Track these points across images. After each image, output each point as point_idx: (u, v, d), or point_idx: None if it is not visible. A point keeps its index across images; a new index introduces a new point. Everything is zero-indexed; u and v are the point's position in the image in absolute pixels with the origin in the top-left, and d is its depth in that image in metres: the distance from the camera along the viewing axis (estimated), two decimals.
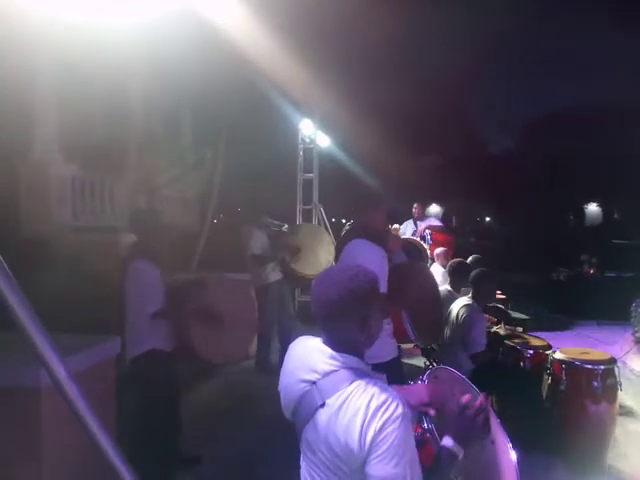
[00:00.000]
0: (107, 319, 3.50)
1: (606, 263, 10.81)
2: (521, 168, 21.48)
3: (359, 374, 1.44)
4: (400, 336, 3.17)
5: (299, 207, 8.36)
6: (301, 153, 8.34)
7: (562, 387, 3.85)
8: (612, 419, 3.86)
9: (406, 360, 4.85)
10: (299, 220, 8.38)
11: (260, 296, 5.69)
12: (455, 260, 5.08)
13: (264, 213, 5.83)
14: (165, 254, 3.48)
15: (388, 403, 1.35)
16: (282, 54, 6.57)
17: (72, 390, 0.99)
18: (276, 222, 6.14)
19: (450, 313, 4.12)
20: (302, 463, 1.55)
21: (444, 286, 4.89)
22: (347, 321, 1.48)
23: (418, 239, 6.76)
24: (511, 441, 1.92)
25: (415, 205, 7.07)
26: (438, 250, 5.97)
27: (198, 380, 5.34)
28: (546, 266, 11.20)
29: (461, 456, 1.52)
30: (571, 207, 25.47)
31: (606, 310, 8.30)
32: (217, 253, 6.95)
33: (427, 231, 7.21)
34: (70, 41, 4.89)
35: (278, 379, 1.67)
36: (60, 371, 0.99)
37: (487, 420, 1.61)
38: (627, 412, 4.93)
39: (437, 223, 7.06)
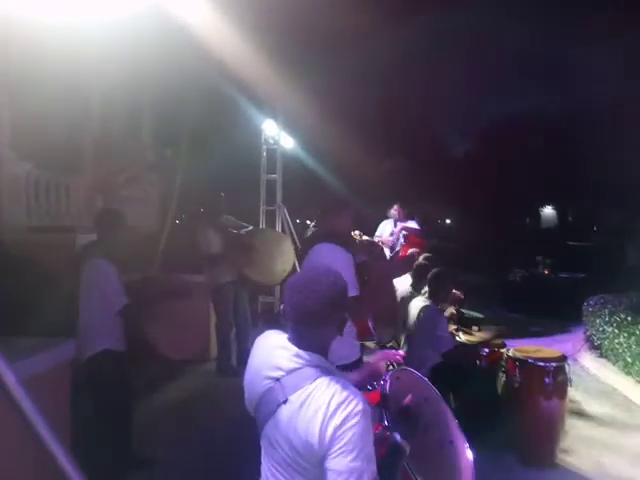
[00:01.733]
0: (61, 321, 3.41)
1: (560, 264, 11.20)
2: (481, 172, 22.01)
3: (323, 372, 1.48)
4: (363, 335, 3.23)
5: (262, 208, 8.31)
6: (264, 154, 8.29)
7: (516, 384, 3.98)
8: (562, 414, 4.02)
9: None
10: (262, 221, 8.33)
11: (214, 297, 5.67)
12: (416, 262, 5.18)
13: (222, 213, 5.80)
14: (125, 255, 3.44)
15: (349, 400, 1.39)
16: (246, 54, 6.53)
17: (20, 395, 0.97)
18: (241, 223, 6.11)
19: (409, 312, 4.21)
20: (262, 459, 1.57)
21: (407, 286, 4.99)
22: (328, 327, 1.54)
23: (393, 239, 6.84)
24: (468, 440, 1.98)
25: (395, 206, 7.12)
26: (411, 251, 6.07)
27: (159, 383, 5.27)
28: (503, 267, 11.51)
29: (407, 449, 1.58)
30: (528, 210, 26.24)
31: (560, 309, 8.61)
32: (178, 254, 6.86)
33: (403, 232, 7.31)
34: (25, 38, 4.75)
35: (239, 381, 1.68)
36: (9, 377, 0.97)
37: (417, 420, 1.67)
38: (577, 407, 5.14)
39: (416, 226, 7.15)
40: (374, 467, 1.39)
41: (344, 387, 1.43)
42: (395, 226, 7.05)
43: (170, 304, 3.44)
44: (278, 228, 8.15)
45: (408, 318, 4.23)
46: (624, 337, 5.98)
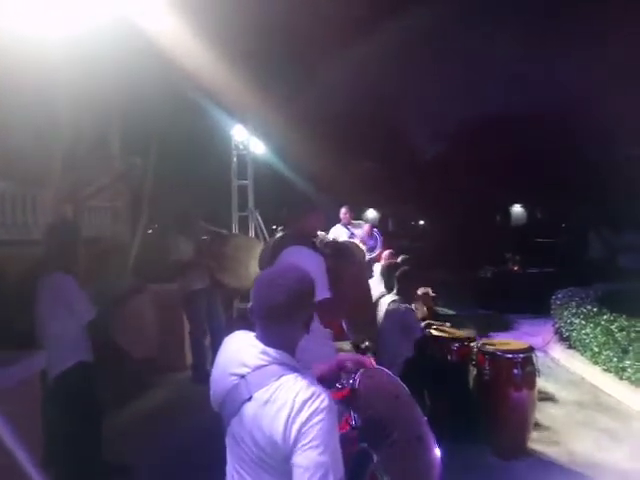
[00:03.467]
0: (30, 334, 3.37)
1: (529, 260, 11.45)
2: (451, 173, 22.34)
3: (289, 369, 1.49)
4: (337, 336, 3.27)
5: (234, 213, 8.30)
6: (235, 159, 8.29)
7: (486, 377, 4.08)
8: (532, 404, 4.13)
9: None
10: (235, 227, 8.32)
11: (187, 304, 5.66)
12: (385, 262, 5.27)
13: (193, 220, 5.79)
14: (82, 266, 3.42)
15: (315, 396, 1.40)
16: (213, 61, 6.54)
17: None
18: (213, 229, 6.11)
19: (380, 311, 4.28)
20: (228, 457, 1.57)
21: (381, 286, 5.06)
22: (294, 323, 1.55)
23: (365, 238, 6.84)
24: (438, 435, 2.02)
25: (343, 210, 7.15)
26: (385, 252, 6.15)
27: (133, 391, 5.22)
28: (474, 265, 11.72)
29: (375, 459, 1.60)
30: (498, 209, 26.72)
31: (529, 304, 8.81)
32: (151, 263, 6.80)
33: (375, 229, 7.34)
34: None
35: None
36: None
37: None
38: (549, 397, 5.28)
39: (368, 229, 7.21)
40: (341, 466, 1.40)
41: (310, 384, 1.44)
42: (348, 229, 7.05)
43: (135, 308, 3.43)
44: (251, 234, 8.16)
45: (379, 317, 4.30)
46: (590, 328, 6.17)
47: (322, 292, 2.66)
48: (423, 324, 4.73)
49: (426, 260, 8.66)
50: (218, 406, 1.59)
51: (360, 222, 7.32)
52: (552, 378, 5.85)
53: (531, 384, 4.03)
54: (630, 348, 5.27)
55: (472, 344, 4.42)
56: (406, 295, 4.31)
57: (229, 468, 1.57)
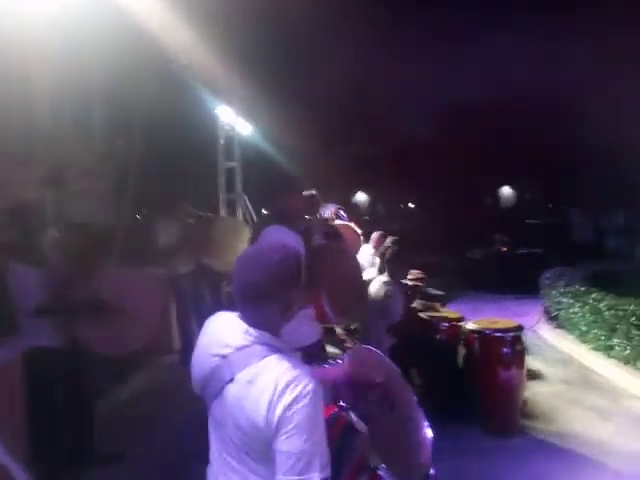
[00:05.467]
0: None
1: (518, 241, 11.51)
2: (441, 155, 22.34)
3: (272, 350, 1.42)
4: (320, 318, 3.20)
5: (222, 196, 8.16)
6: (222, 141, 8.13)
7: (476, 356, 4.07)
8: (522, 382, 4.14)
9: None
10: (223, 210, 8.20)
11: (174, 288, 5.58)
12: (383, 247, 5.19)
13: (179, 203, 5.69)
14: (43, 251, 3.31)
15: (299, 379, 1.34)
16: (199, 40, 6.37)
17: None
18: (199, 212, 6.00)
19: (370, 291, 4.23)
20: (211, 440, 1.52)
21: (373, 268, 5.00)
22: (272, 306, 1.46)
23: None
24: (430, 415, 1.98)
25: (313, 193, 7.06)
26: (375, 234, 6.07)
27: (122, 377, 5.17)
28: (464, 246, 11.74)
29: (363, 429, 1.55)
30: (487, 191, 26.79)
31: (518, 284, 8.85)
32: (137, 248, 6.69)
33: (341, 212, 7.28)
34: None
35: None
36: None
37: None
38: (537, 376, 5.31)
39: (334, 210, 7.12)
40: (325, 450, 1.34)
41: (294, 366, 1.38)
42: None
43: (107, 298, 3.32)
44: (239, 217, 8.04)
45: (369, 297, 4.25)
46: (579, 307, 6.20)
47: None
48: (415, 304, 4.71)
49: (416, 242, 8.62)
50: (199, 389, 1.53)
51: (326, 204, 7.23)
52: (540, 357, 5.88)
53: (520, 363, 4.04)
54: (618, 327, 5.30)
55: (461, 323, 4.41)
56: (397, 276, 4.25)
57: (212, 452, 1.51)
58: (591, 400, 4.68)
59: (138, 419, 4.37)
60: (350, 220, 7.15)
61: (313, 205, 4.29)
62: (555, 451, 3.77)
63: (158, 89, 7.30)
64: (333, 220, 5.63)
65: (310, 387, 1.34)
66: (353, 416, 1.59)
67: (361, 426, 1.58)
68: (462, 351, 4.30)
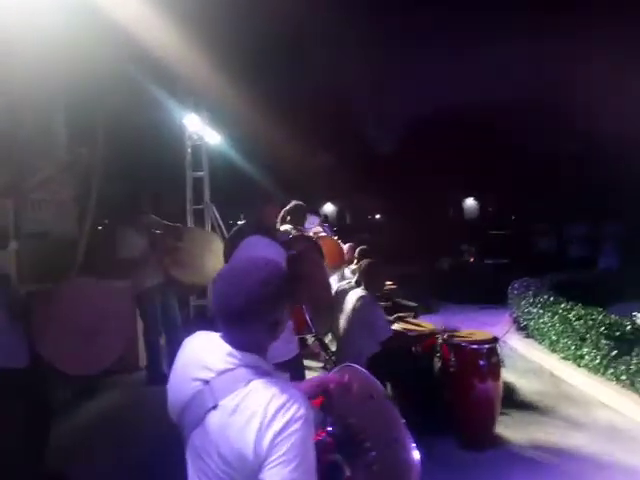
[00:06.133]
0: None
1: (484, 252, 11.69)
2: (407, 167, 22.68)
3: (258, 373, 1.32)
4: (300, 328, 3.13)
5: (189, 207, 7.99)
6: (189, 150, 7.97)
7: (451, 368, 4.02)
8: (498, 394, 4.10)
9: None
10: (190, 221, 8.01)
11: (140, 302, 5.37)
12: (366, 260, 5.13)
13: (143, 213, 5.48)
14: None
15: (290, 404, 1.24)
16: (167, 48, 6.24)
17: None
18: (166, 223, 5.81)
19: (346, 304, 4.15)
20: (189, 472, 1.38)
21: (347, 280, 4.94)
22: (259, 326, 1.37)
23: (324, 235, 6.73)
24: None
25: (294, 203, 7.00)
26: (346, 245, 6.04)
27: (85, 395, 4.92)
28: (431, 257, 11.85)
29: (348, 473, 1.47)
30: (451, 202, 27.31)
31: (486, 294, 8.96)
32: (101, 260, 6.43)
33: (325, 225, 7.26)
34: None
35: None
36: None
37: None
38: (508, 386, 5.32)
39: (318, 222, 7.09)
40: (314, 477, 1.25)
41: (283, 390, 1.27)
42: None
43: (70, 313, 3.13)
44: (207, 228, 7.87)
45: (344, 310, 4.18)
46: (548, 317, 6.28)
47: None
48: (392, 318, 4.66)
49: (383, 253, 8.61)
50: (177, 416, 1.40)
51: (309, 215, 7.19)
52: (511, 367, 5.87)
53: (496, 375, 4.01)
54: (587, 336, 5.38)
55: (437, 336, 4.37)
56: (374, 289, 4.19)
57: None
58: (563, 410, 4.71)
59: (100, 439, 4.14)
60: (333, 232, 7.13)
61: (298, 215, 4.24)
62: (530, 463, 3.75)
63: (123, 97, 7.10)
64: (317, 233, 5.59)
65: (301, 412, 1.24)
66: (339, 456, 1.49)
67: (346, 467, 1.48)
68: (437, 363, 4.25)
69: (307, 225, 7.01)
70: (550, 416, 4.59)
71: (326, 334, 4.36)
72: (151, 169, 8.48)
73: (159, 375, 5.28)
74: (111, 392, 5.26)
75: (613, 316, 5.42)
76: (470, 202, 28.20)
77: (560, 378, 5.57)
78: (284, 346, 2.80)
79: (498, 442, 4.05)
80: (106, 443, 4.05)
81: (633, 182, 12.26)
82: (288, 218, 4.07)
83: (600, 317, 5.38)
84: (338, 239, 6.28)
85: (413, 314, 5.39)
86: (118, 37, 5.47)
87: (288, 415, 1.22)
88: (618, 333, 5.02)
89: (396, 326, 4.54)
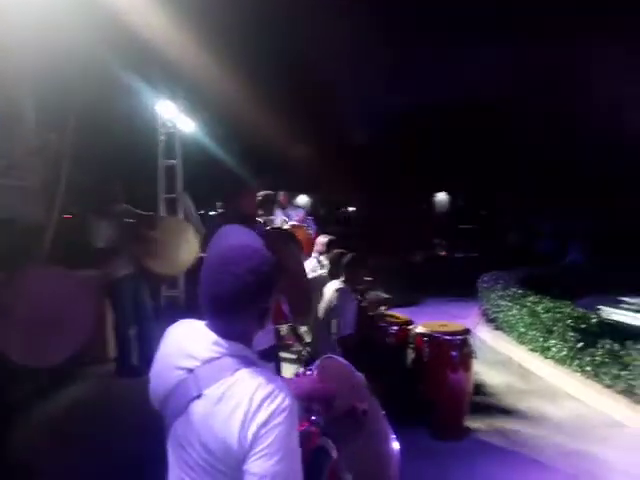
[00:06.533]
0: None
1: (455, 245, 11.87)
2: (379, 161, 22.73)
3: (244, 362, 1.31)
4: (277, 318, 3.13)
5: (161, 196, 7.84)
6: (162, 137, 7.81)
7: (424, 359, 4.09)
8: (469, 385, 4.20)
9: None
10: (162, 209, 7.87)
11: (111, 292, 5.27)
12: (336, 251, 5.14)
13: (114, 201, 5.37)
14: None
15: (275, 394, 1.24)
16: (139, 32, 6.09)
17: None
18: (138, 211, 5.69)
19: (323, 296, 4.16)
20: (170, 462, 1.37)
21: (321, 271, 4.95)
22: (247, 315, 1.36)
23: (298, 224, 6.73)
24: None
25: (281, 193, 7.02)
26: (320, 238, 6.03)
27: (51, 387, 4.78)
28: (405, 250, 11.96)
29: (334, 455, 1.48)
30: (422, 196, 27.48)
31: (457, 287, 9.10)
32: (70, 249, 6.27)
33: (309, 217, 7.28)
34: None
35: (142, 381, 1.48)
36: None
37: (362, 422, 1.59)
38: (478, 377, 5.43)
39: (303, 214, 7.13)
40: (299, 468, 1.25)
41: (269, 380, 1.27)
42: (284, 214, 6.94)
43: (24, 302, 3.04)
44: (180, 217, 7.75)
45: (321, 302, 4.18)
46: (517, 309, 6.42)
47: None
48: (365, 305, 4.69)
49: (356, 245, 8.62)
50: (159, 404, 1.38)
51: (298, 206, 7.21)
52: (481, 359, 5.93)
53: (468, 366, 4.10)
54: (554, 328, 5.52)
55: (410, 327, 4.43)
56: (353, 282, 4.19)
57: (172, 475, 1.36)
58: (531, 401, 4.84)
59: (66, 434, 4.04)
60: (317, 225, 7.13)
61: (269, 204, 4.22)
62: (498, 452, 3.86)
63: (94, 82, 6.90)
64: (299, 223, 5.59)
65: (287, 403, 1.24)
66: (325, 438, 1.50)
67: (332, 449, 1.49)
68: (411, 354, 4.31)
69: (292, 215, 7.05)
70: (518, 406, 4.71)
71: (303, 324, 4.37)
72: (123, 157, 8.28)
73: (128, 367, 5.20)
74: (79, 384, 5.13)
75: (580, 309, 5.58)
76: (441, 196, 28.53)
77: (528, 369, 5.72)
78: (263, 335, 2.80)
79: (469, 432, 4.14)
80: (72, 436, 3.96)
81: (603, 178, 12.62)
82: (259, 210, 4.05)
83: (567, 310, 5.53)
84: (322, 231, 6.32)
85: (386, 306, 5.44)
86: (90, 20, 5.31)
87: (273, 406, 1.22)
88: (584, 326, 5.17)
89: (370, 317, 4.58)
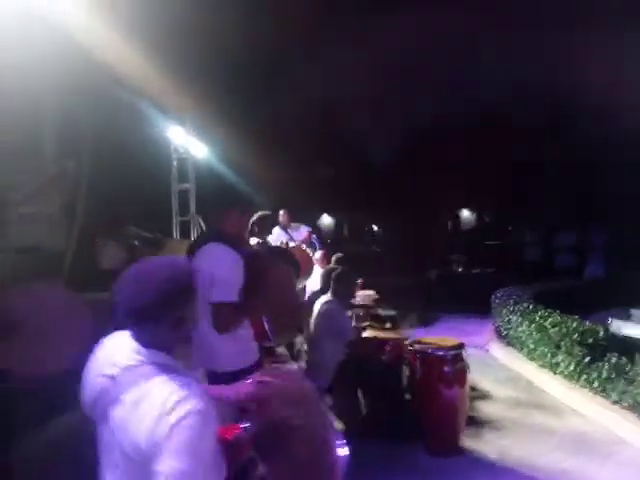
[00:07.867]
0: None
1: (475, 261, 11.73)
2: (404, 178, 22.66)
3: (163, 370, 1.37)
4: (259, 337, 3.15)
5: (175, 219, 8.08)
6: (175, 163, 8.08)
7: (418, 375, 4.07)
8: (464, 401, 4.14)
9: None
10: (176, 233, 8.10)
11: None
12: (327, 267, 5.20)
13: (123, 224, 5.56)
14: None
15: (187, 399, 1.28)
16: (151, 60, 6.36)
17: None
18: (146, 234, 5.88)
19: (313, 311, 4.21)
20: (102, 466, 1.44)
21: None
22: (162, 324, 1.41)
23: (303, 245, 6.75)
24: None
25: (282, 212, 7.01)
26: (317, 254, 6.09)
27: (55, 411, 4.88)
28: (422, 268, 11.89)
29: (262, 469, 1.50)
30: (449, 213, 27.25)
31: (473, 303, 8.98)
32: (84, 272, 6.50)
33: (314, 236, 7.27)
34: None
35: None
36: None
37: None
38: (485, 395, 5.35)
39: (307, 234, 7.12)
40: (214, 476, 1.28)
41: (183, 385, 1.32)
42: (286, 232, 6.90)
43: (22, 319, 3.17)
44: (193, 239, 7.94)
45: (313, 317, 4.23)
46: (526, 325, 6.30)
47: (227, 295, 2.55)
48: (363, 325, 4.71)
49: (377, 264, 8.68)
50: (89, 411, 1.46)
51: (299, 225, 7.20)
52: (491, 376, 5.93)
53: (462, 381, 4.04)
54: (562, 343, 5.40)
55: (406, 343, 4.42)
56: (342, 297, 4.21)
57: (101, 478, 1.43)
58: (535, 418, 4.74)
59: (68, 453, 4.12)
60: (322, 244, 7.12)
61: (265, 225, 4.23)
62: (493, 469, 3.78)
63: (109, 110, 7.21)
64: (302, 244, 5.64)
65: (199, 407, 1.28)
66: (252, 452, 1.54)
67: (260, 463, 1.52)
68: (406, 371, 4.30)
69: (295, 236, 7.09)
70: (522, 424, 4.60)
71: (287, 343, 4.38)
72: (137, 182, 8.57)
73: None
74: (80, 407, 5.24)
75: (587, 323, 5.45)
76: (466, 213, 28.22)
77: (537, 386, 5.59)
78: (243, 353, 2.82)
79: (465, 449, 4.07)
80: (75, 456, 4.05)
81: (619, 189, 12.31)
82: (256, 229, 4.10)
83: (574, 324, 5.41)
84: (327, 251, 6.29)
85: (392, 323, 5.42)
86: (105, 53, 5.58)
87: (185, 409, 1.26)
88: (591, 340, 5.05)
89: (367, 334, 4.60)
